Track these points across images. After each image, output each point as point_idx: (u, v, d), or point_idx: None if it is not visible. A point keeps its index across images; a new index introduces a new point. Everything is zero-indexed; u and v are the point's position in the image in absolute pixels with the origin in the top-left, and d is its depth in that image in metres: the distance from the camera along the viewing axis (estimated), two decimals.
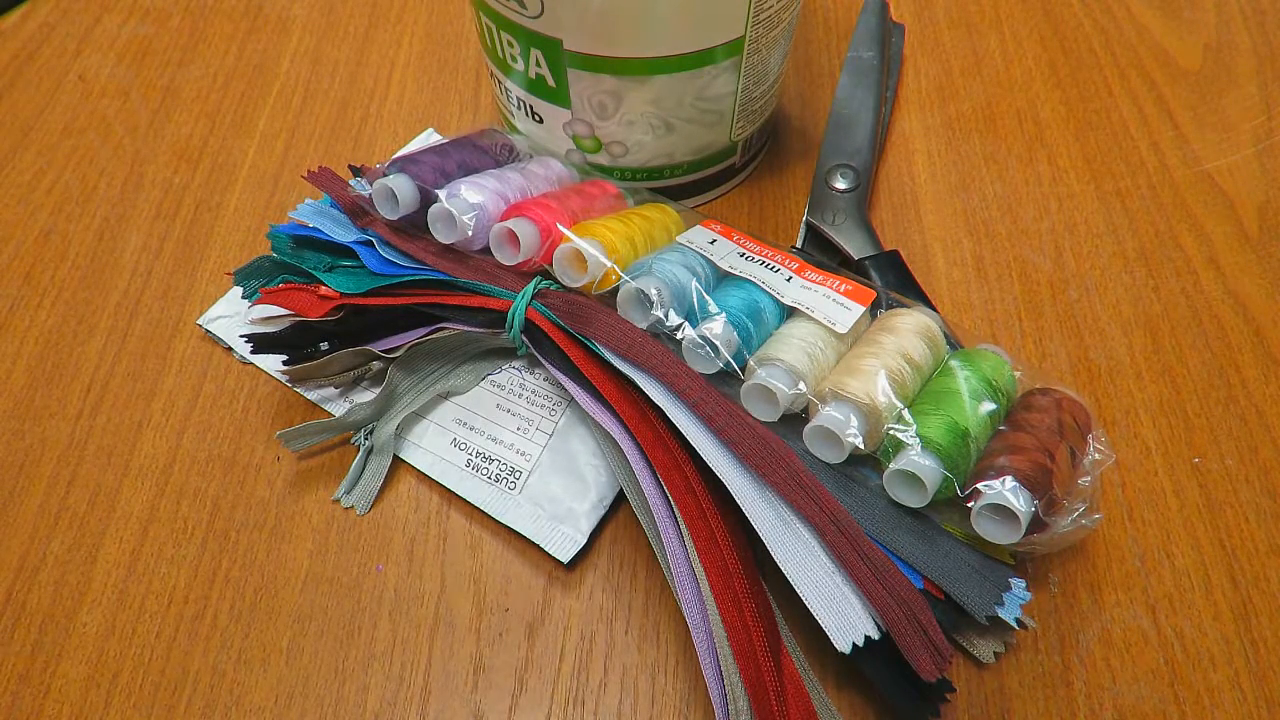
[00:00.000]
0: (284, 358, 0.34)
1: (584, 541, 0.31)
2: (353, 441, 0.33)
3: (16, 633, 0.30)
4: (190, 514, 0.32)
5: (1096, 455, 0.28)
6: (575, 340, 0.31)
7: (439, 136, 0.44)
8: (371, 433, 0.33)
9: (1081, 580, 0.31)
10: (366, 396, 0.35)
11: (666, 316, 0.30)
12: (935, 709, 0.26)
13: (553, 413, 0.34)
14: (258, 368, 0.36)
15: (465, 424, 0.34)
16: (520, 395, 0.34)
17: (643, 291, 0.30)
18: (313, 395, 0.35)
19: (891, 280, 0.36)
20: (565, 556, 0.30)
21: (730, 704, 0.25)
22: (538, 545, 0.31)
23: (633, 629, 0.30)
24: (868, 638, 0.25)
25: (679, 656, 0.29)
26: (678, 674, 0.29)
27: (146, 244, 0.40)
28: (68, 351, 0.37)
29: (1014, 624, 0.27)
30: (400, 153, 0.43)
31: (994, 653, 0.28)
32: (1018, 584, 0.27)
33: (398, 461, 0.33)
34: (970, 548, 0.27)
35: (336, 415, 0.33)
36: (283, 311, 0.37)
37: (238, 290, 0.38)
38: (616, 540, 0.32)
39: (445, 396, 0.34)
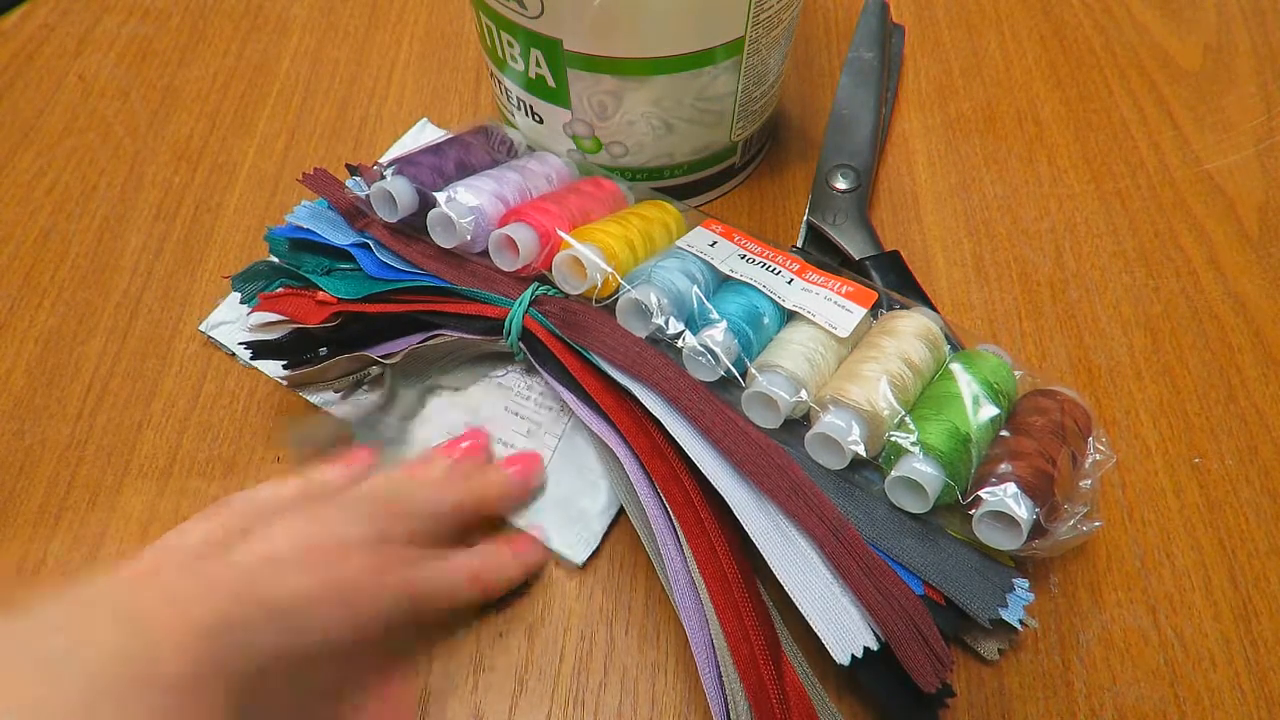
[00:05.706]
0: (284, 363, 0.34)
1: (597, 544, 0.31)
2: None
3: None
4: (190, 514, 0.32)
5: (1097, 456, 0.28)
6: (572, 349, 0.31)
7: (433, 126, 0.44)
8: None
9: (1082, 580, 0.31)
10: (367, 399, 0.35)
11: (666, 324, 0.29)
12: (935, 713, 0.26)
13: (561, 415, 0.34)
14: (258, 369, 0.36)
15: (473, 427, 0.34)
16: (528, 399, 0.34)
17: (642, 301, 0.30)
18: (314, 398, 0.35)
19: (892, 280, 0.36)
20: (579, 558, 0.30)
21: (730, 708, 0.25)
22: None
23: (633, 630, 0.30)
24: (866, 649, 0.25)
25: (679, 657, 0.29)
26: (678, 675, 0.29)
27: (146, 244, 0.40)
28: (68, 351, 0.37)
29: (1017, 625, 0.27)
30: (394, 146, 0.43)
31: (997, 649, 0.28)
32: (1021, 585, 0.27)
33: None
34: (972, 549, 0.27)
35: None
36: (282, 317, 0.37)
37: (238, 295, 0.38)
38: (617, 542, 0.32)
39: (454, 390, 0.34)
